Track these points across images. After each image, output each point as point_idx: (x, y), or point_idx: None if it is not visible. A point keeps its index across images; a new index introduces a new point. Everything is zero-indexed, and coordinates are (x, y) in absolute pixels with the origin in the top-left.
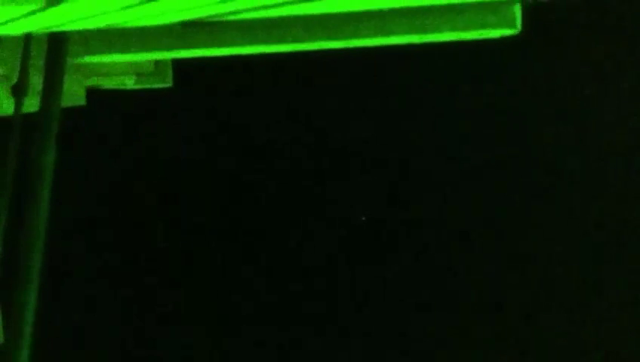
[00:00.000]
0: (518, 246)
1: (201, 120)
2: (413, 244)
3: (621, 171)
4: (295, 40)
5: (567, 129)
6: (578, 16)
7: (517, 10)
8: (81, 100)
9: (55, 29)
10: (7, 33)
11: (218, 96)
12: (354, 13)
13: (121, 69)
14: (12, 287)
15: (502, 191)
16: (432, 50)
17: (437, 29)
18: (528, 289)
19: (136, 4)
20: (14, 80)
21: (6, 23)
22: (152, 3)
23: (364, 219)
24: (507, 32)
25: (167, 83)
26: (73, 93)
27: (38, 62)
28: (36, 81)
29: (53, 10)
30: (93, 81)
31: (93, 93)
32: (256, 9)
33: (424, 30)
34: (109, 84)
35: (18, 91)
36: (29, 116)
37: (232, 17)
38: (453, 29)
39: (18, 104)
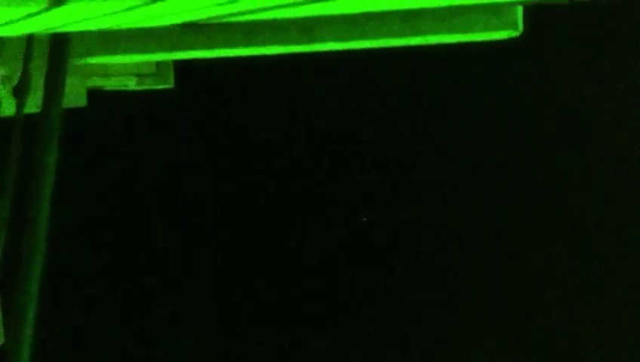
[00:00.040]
0: (518, 246)
1: (201, 120)
2: (413, 244)
3: (621, 171)
4: (296, 42)
5: (567, 129)
6: (578, 16)
7: (519, 13)
8: (82, 101)
9: (57, 30)
10: (9, 34)
11: (219, 97)
12: (354, 16)
13: (122, 70)
14: (13, 288)
15: (502, 191)
16: (432, 51)
17: (440, 32)
18: (528, 289)
19: (138, 6)
20: (16, 81)
21: (8, 23)
22: (154, 5)
23: (364, 219)
24: (509, 34)
25: (169, 84)
26: (74, 94)
27: (39, 63)
28: (38, 82)
29: (56, 12)
30: (95, 82)
31: (94, 93)
32: (256, 11)
33: (426, 32)
34: (110, 85)
35: (20, 92)
36: (30, 117)
37: (232, 19)
38: (457, 31)
39: (20, 105)
